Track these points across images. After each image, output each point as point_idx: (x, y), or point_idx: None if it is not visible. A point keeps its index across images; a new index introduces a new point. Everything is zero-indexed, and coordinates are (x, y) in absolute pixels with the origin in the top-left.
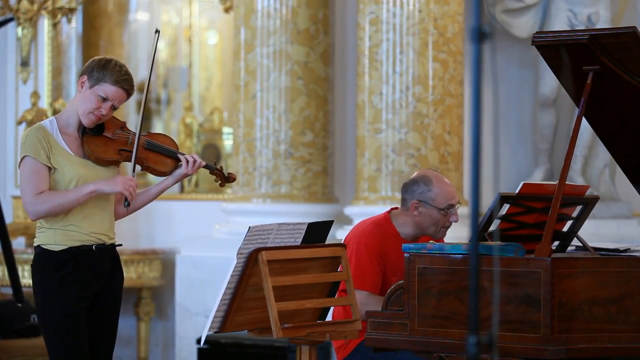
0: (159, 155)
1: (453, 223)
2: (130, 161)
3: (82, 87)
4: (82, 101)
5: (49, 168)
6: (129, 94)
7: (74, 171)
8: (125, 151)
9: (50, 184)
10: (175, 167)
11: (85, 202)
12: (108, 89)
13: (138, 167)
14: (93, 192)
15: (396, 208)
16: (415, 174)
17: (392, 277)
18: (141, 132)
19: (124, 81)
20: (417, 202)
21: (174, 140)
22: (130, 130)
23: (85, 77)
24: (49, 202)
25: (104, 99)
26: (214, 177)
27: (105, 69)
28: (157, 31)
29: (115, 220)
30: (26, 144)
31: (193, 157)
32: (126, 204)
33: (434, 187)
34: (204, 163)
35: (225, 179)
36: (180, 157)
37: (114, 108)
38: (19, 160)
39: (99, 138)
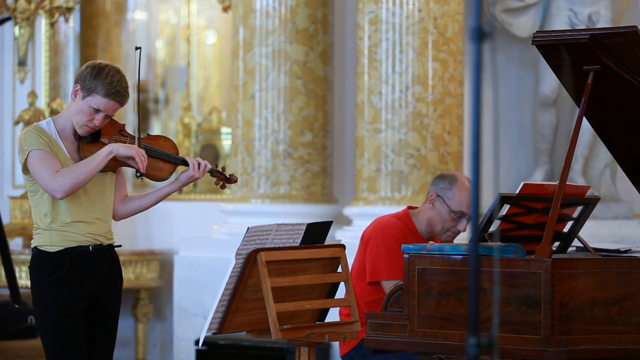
0: (157, 161)
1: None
2: (127, 166)
3: (75, 96)
4: (75, 112)
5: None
6: (121, 104)
7: None
8: None
9: None
10: (172, 172)
11: (84, 203)
12: (99, 101)
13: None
14: (110, 154)
15: (412, 207)
16: (450, 172)
17: None
18: (140, 136)
19: (115, 93)
20: (435, 196)
21: (174, 143)
22: (129, 134)
23: (78, 86)
24: (72, 174)
25: (96, 110)
26: (215, 179)
27: (97, 79)
28: (137, 48)
29: (117, 220)
30: (27, 141)
31: (199, 161)
32: (138, 175)
33: (455, 188)
34: (210, 166)
35: (227, 180)
36: (188, 160)
37: (108, 117)
38: (22, 161)
39: (95, 145)
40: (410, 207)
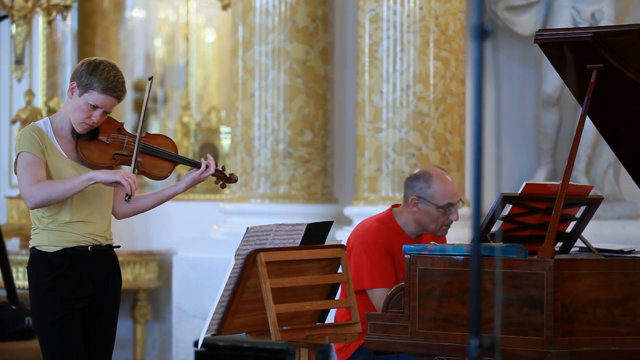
0: (156, 159)
1: (454, 222)
2: (125, 164)
3: (72, 94)
4: (73, 109)
5: (45, 164)
6: (119, 99)
7: (67, 174)
8: (120, 155)
9: None
10: (172, 170)
11: (81, 203)
12: (97, 97)
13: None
14: (92, 180)
15: (398, 205)
16: (418, 170)
17: (399, 274)
18: (137, 141)
19: (112, 89)
20: (417, 199)
21: (173, 142)
22: (127, 133)
23: (74, 83)
24: (47, 188)
25: (94, 107)
26: (215, 178)
27: (94, 75)
28: (150, 78)
29: (119, 219)
30: (21, 141)
31: (208, 163)
32: (127, 198)
33: (433, 184)
34: (214, 169)
35: (227, 180)
36: (199, 162)
37: (106, 113)
38: (14, 159)
39: (93, 143)
40: (395, 206)
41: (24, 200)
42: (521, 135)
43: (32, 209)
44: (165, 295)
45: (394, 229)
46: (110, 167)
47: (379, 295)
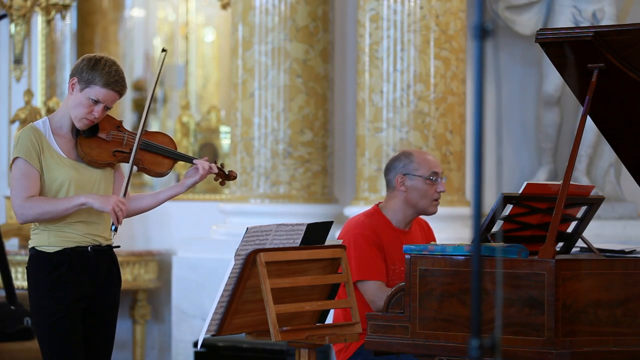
0: (156, 156)
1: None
2: (125, 162)
3: (72, 90)
4: (73, 105)
5: (41, 171)
6: (120, 94)
7: (66, 174)
8: (120, 152)
9: (41, 187)
10: (172, 167)
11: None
12: (98, 91)
13: (134, 168)
14: (83, 205)
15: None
16: (395, 154)
17: (390, 266)
18: (139, 134)
19: (114, 83)
20: (402, 176)
21: (172, 139)
22: (126, 130)
23: (75, 79)
24: (38, 208)
25: (96, 102)
26: (214, 175)
27: (95, 70)
28: (164, 50)
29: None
30: (19, 145)
31: (203, 164)
32: (113, 228)
33: (415, 158)
34: (216, 170)
35: (226, 177)
36: (196, 162)
37: (107, 108)
38: (10, 161)
39: (92, 140)
40: (380, 203)
41: (14, 212)
42: (522, 134)
43: (21, 224)
44: (165, 296)
45: (383, 222)
46: (111, 164)
47: (369, 288)
